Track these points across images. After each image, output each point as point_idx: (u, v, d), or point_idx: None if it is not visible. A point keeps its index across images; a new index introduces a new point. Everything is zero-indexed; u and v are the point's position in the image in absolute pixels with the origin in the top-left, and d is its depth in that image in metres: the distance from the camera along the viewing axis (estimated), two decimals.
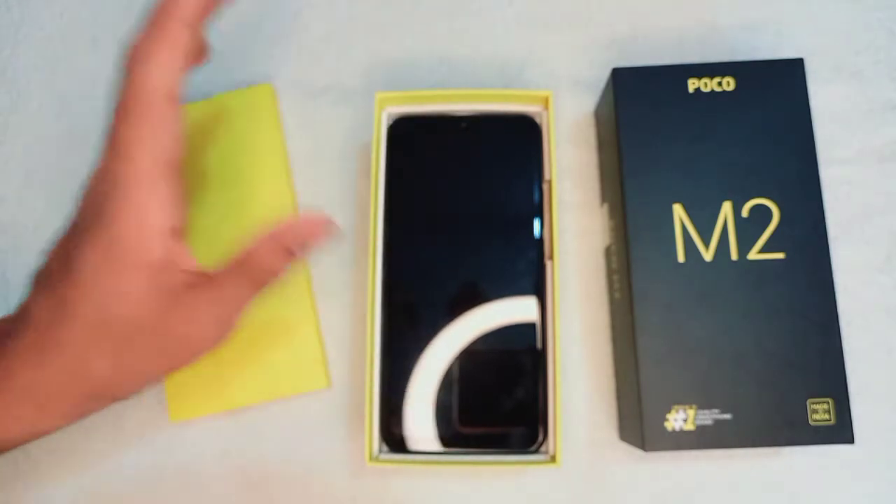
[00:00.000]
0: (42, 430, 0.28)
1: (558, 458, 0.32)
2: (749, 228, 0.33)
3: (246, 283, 0.29)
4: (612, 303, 0.36)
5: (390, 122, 0.36)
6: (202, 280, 0.28)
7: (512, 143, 0.36)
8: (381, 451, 0.33)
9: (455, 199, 0.35)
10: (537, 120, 0.36)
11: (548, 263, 0.34)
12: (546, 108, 0.36)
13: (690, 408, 0.31)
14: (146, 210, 0.26)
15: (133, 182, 0.26)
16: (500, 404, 0.33)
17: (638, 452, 0.35)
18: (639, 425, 0.31)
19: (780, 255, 0.32)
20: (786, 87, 0.34)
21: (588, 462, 0.36)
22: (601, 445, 0.36)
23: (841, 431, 0.31)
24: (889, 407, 0.36)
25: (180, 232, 0.28)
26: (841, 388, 0.31)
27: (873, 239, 0.38)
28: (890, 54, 0.39)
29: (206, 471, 0.36)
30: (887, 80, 0.39)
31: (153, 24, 0.28)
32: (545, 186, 0.35)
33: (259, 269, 0.28)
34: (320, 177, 0.39)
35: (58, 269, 0.28)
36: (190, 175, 0.38)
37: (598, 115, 0.39)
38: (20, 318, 0.28)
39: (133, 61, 0.27)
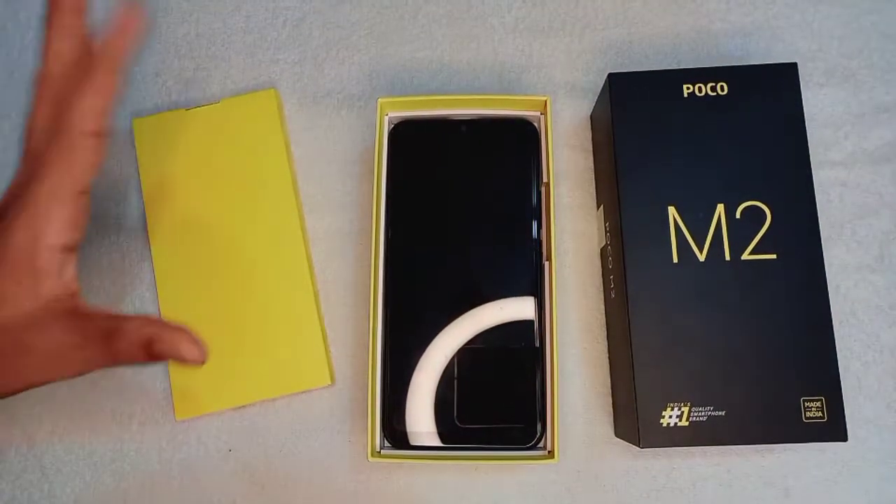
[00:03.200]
0: None
1: (556, 453, 0.33)
2: (742, 230, 0.33)
3: (103, 351, 0.28)
4: (608, 302, 0.37)
5: (391, 126, 0.36)
6: (76, 310, 0.29)
7: (511, 146, 0.36)
8: (382, 446, 0.34)
9: (455, 201, 0.36)
10: (535, 124, 0.37)
11: (546, 265, 0.35)
12: (544, 112, 0.36)
13: (685, 405, 0.32)
14: (44, 225, 0.28)
15: (41, 199, 0.28)
16: (498, 401, 0.34)
17: (633, 449, 0.36)
18: (634, 422, 0.32)
19: (773, 256, 0.33)
20: (779, 90, 0.34)
21: (584, 458, 0.36)
22: (597, 442, 0.37)
23: (834, 429, 0.31)
24: (881, 405, 0.37)
25: (72, 251, 0.29)
26: (834, 387, 0.32)
27: (865, 239, 0.38)
28: (882, 58, 0.40)
29: (210, 466, 0.37)
30: (879, 84, 0.40)
31: (89, 73, 0.29)
32: (543, 189, 0.36)
33: (121, 347, 0.28)
34: (324, 180, 0.40)
35: None
36: (195, 178, 0.39)
37: (595, 119, 0.39)
38: None
39: (65, 100, 0.29)
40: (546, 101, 0.36)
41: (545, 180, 0.36)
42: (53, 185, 0.28)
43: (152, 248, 0.38)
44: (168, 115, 0.40)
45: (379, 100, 0.36)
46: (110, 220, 0.39)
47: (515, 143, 0.36)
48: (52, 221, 0.28)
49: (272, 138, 0.39)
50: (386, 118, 0.37)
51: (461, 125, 0.37)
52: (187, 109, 0.39)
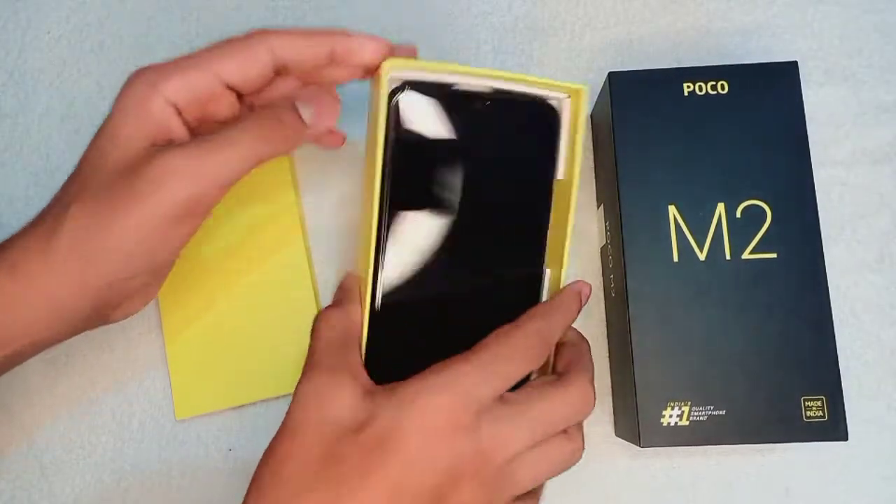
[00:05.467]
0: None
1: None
2: (742, 229, 0.33)
3: (259, 141, 0.28)
4: (608, 301, 0.37)
5: (392, 88, 0.29)
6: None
7: (529, 132, 0.31)
8: None
9: (459, 185, 0.30)
10: (557, 109, 0.31)
11: (547, 271, 0.31)
12: (578, 101, 0.30)
13: (685, 404, 0.32)
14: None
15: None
16: None
17: (633, 448, 0.36)
18: (634, 421, 0.32)
19: (773, 255, 0.33)
20: (779, 89, 0.34)
21: (584, 458, 0.36)
22: (597, 441, 0.37)
23: (834, 428, 0.31)
24: (882, 404, 0.37)
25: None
26: (834, 386, 0.32)
27: (866, 239, 0.38)
28: (882, 57, 0.40)
29: (210, 466, 0.37)
30: (880, 83, 0.40)
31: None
32: (556, 185, 0.31)
33: (279, 124, 0.29)
34: (325, 179, 0.40)
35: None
36: None
37: (595, 117, 0.39)
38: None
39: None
40: (581, 91, 0.30)
41: (559, 176, 0.31)
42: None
43: None
44: None
45: (384, 63, 0.28)
46: None
47: (535, 129, 0.31)
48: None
49: None
50: (387, 79, 0.29)
51: (481, 98, 0.30)
52: None
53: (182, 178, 0.26)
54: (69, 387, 0.37)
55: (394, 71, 0.29)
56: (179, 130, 0.28)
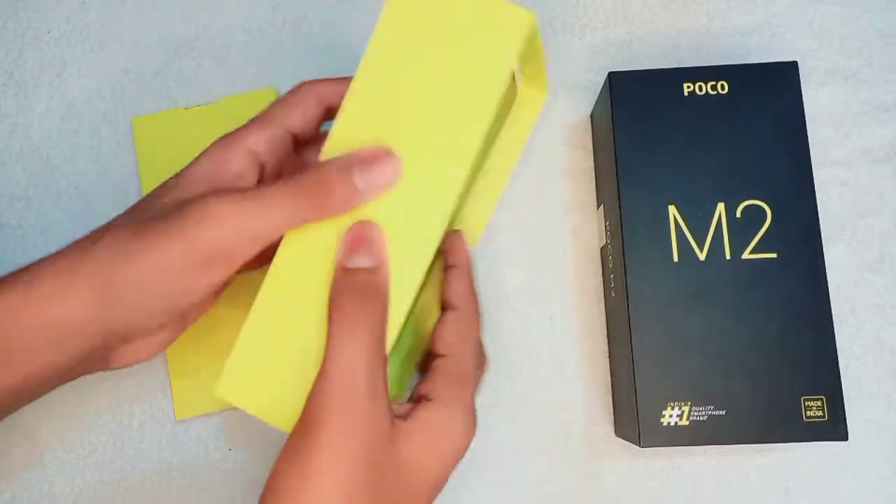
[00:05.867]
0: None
1: None
2: (742, 229, 0.33)
3: (301, 202, 0.27)
4: (608, 301, 0.37)
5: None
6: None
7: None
8: None
9: None
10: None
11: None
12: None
13: (685, 404, 0.32)
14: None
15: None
16: None
17: (633, 448, 0.36)
18: (634, 421, 0.32)
19: (773, 255, 0.33)
20: (779, 89, 0.34)
21: (584, 458, 0.36)
22: (597, 441, 0.37)
23: (834, 428, 0.31)
24: (882, 404, 0.37)
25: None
26: (834, 386, 0.32)
27: (866, 239, 0.38)
28: (883, 57, 0.40)
29: (211, 466, 0.37)
30: (880, 83, 0.40)
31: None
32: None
33: (325, 188, 0.27)
34: None
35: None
36: None
37: (595, 118, 0.39)
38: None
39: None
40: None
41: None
42: None
43: None
44: (167, 113, 0.39)
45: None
46: (85, 230, 0.39)
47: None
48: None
49: None
50: None
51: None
52: (186, 108, 0.39)
53: (216, 222, 0.26)
54: (69, 387, 0.37)
55: None
56: (251, 181, 0.29)
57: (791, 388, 0.32)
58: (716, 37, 0.40)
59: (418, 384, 0.28)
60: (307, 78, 0.41)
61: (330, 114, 0.31)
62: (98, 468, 0.37)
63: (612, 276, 0.36)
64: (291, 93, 0.31)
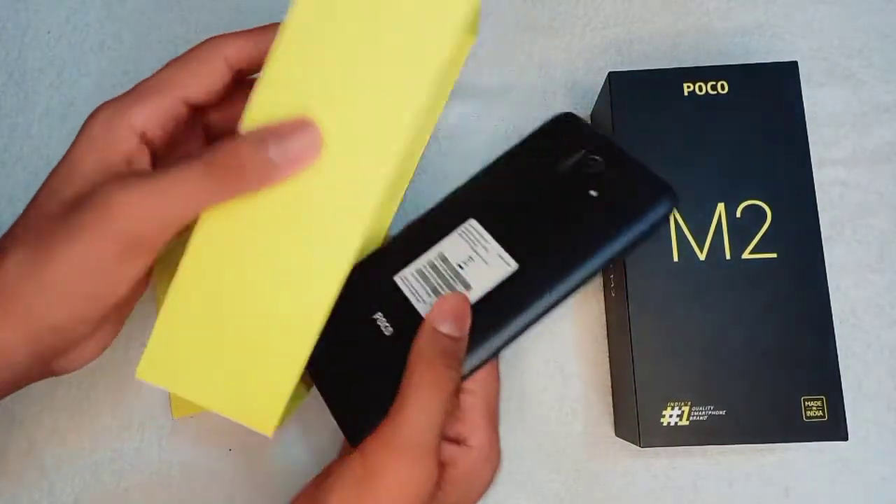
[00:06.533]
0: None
1: None
2: (742, 229, 0.33)
3: (213, 183, 0.25)
4: (608, 301, 0.37)
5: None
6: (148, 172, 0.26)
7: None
8: None
9: None
10: None
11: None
12: None
13: (685, 404, 0.32)
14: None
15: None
16: None
17: (633, 448, 0.36)
18: (634, 421, 0.32)
19: (773, 255, 0.33)
20: (779, 90, 0.34)
21: (584, 458, 0.36)
22: (597, 441, 0.37)
23: (834, 428, 0.31)
24: (882, 404, 0.37)
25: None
26: (834, 386, 0.32)
27: (865, 239, 0.38)
28: (882, 57, 0.40)
29: (211, 466, 0.37)
30: (880, 83, 0.40)
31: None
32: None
33: (237, 166, 0.25)
34: None
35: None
36: None
37: (595, 118, 0.39)
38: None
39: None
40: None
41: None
42: None
43: None
44: None
45: None
46: None
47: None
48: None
49: None
50: None
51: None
52: None
53: (125, 211, 0.24)
54: (69, 387, 0.37)
55: None
56: (143, 161, 0.27)
57: (791, 388, 0.32)
58: (716, 37, 0.41)
59: (455, 423, 0.28)
60: None
61: (241, 76, 0.28)
62: (98, 468, 0.37)
63: (611, 275, 0.36)
64: (193, 53, 0.27)
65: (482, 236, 0.29)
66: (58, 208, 0.25)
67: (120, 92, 0.40)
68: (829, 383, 0.32)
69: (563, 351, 0.38)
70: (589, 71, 0.40)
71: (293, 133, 0.25)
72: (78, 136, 0.27)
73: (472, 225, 0.30)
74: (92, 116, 0.27)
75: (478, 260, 0.29)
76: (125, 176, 0.25)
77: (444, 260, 0.29)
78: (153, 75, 0.27)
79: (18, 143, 0.40)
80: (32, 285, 0.25)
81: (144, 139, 0.27)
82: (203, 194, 0.25)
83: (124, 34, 0.42)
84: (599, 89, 0.38)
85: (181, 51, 0.41)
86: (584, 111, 0.40)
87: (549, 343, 0.38)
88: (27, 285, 0.25)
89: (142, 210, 0.24)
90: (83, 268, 0.25)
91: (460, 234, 0.30)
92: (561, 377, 0.37)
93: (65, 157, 0.27)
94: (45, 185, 0.27)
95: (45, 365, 0.27)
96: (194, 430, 0.37)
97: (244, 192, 0.26)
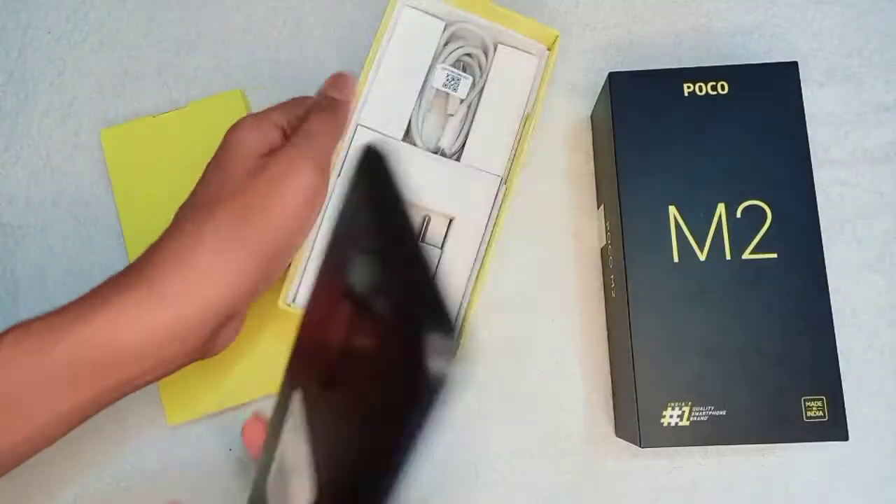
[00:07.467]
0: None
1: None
2: (743, 229, 0.33)
3: (329, 117, 0.33)
4: (609, 302, 0.37)
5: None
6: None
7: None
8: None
9: None
10: (541, 59, 0.38)
11: (502, 187, 0.36)
12: (550, 48, 0.37)
13: (686, 404, 0.32)
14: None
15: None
16: None
17: (633, 448, 0.36)
18: (635, 422, 0.32)
19: (774, 256, 0.33)
20: (780, 90, 0.34)
21: (584, 458, 0.36)
22: (597, 441, 0.37)
23: (835, 428, 0.31)
24: (882, 404, 0.37)
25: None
26: (835, 386, 0.32)
27: (866, 239, 0.38)
28: (883, 57, 0.40)
29: (211, 466, 0.37)
30: (880, 83, 0.40)
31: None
32: (524, 121, 0.37)
33: (332, 103, 0.34)
34: None
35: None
36: (168, 183, 0.38)
37: (595, 118, 0.39)
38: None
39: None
40: (556, 37, 0.36)
41: (527, 112, 0.37)
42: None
43: (129, 256, 0.38)
44: (136, 123, 0.39)
45: None
46: (85, 230, 0.39)
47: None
48: None
49: None
50: (399, 4, 0.37)
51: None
52: (154, 116, 0.39)
53: (300, 162, 0.30)
54: None
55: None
56: (281, 144, 0.32)
57: (791, 388, 0.32)
58: (716, 37, 0.40)
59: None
60: (308, 78, 0.41)
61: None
62: (98, 468, 0.37)
63: (612, 276, 0.36)
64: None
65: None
66: (236, 182, 0.30)
67: (120, 92, 0.41)
68: (829, 383, 0.32)
69: (564, 351, 0.38)
70: (589, 71, 0.40)
71: (336, 81, 0.35)
72: (226, 139, 0.32)
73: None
74: (236, 125, 0.32)
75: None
76: (286, 145, 0.31)
77: None
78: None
79: (18, 143, 0.40)
80: (249, 234, 0.29)
81: (283, 130, 0.33)
82: (334, 132, 0.33)
83: (124, 34, 0.42)
84: (599, 89, 0.38)
85: (181, 51, 0.41)
86: (584, 111, 0.40)
87: (550, 343, 0.38)
88: (242, 237, 0.29)
89: (308, 160, 0.30)
90: (290, 213, 0.30)
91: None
92: (561, 377, 0.37)
93: (221, 153, 0.32)
94: (210, 175, 0.32)
95: (209, 342, 0.30)
96: (194, 430, 0.37)
97: (347, 121, 0.35)
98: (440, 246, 0.36)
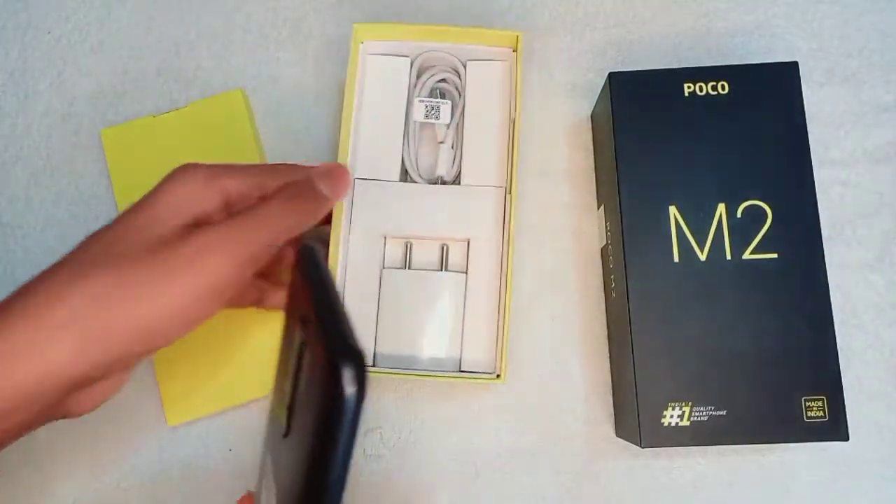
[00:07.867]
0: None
1: (503, 376, 0.33)
2: (743, 229, 0.33)
3: (294, 211, 0.30)
4: (609, 302, 0.37)
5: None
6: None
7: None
8: None
9: None
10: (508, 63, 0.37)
11: (507, 197, 0.36)
12: (515, 50, 0.37)
13: (686, 404, 0.32)
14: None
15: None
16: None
17: (633, 448, 0.36)
18: (635, 422, 0.32)
19: (774, 256, 0.33)
20: (780, 90, 0.34)
21: (585, 458, 0.36)
22: (598, 441, 0.37)
23: (835, 428, 0.31)
24: (882, 404, 0.37)
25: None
26: (835, 386, 0.32)
27: (866, 239, 0.38)
28: (883, 57, 0.40)
29: (210, 466, 0.37)
30: (880, 83, 0.40)
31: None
32: (511, 125, 0.36)
33: (312, 197, 0.31)
34: None
35: None
36: None
37: (595, 118, 0.39)
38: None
39: None
40: (518, 37, 0.36)
41: (512, 116, 0.36)
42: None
43: None
44: (136, 123, 0.39)
45: (354, 25, 0.36)
46: (85, 230, 0.39)
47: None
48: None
49: (242, 136, 0.39)
50: (361, 46, 0.37)
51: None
52: (154, 116, 0.39)
53: (218, 253, 0.27)
54: None
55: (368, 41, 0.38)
56: (219, 216, 0.30)
57: (791, 388, 0.32)
58: (716, 37, 0.40)
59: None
60: (308, 78, 0.41)
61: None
62: (98, 468, 0.37)
63: (612, 276, 0.36)
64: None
65: None
66: (141, 248, 0.27)
67: (120, 92, 0.41)
68: (829, 383, 0.32)
69: (564, 351, 0.38)
70: (589, 71, 0.40)
71: (331, 172, 0.32)
72: (163, 185, 0.29)
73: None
74: (182, 170, 0.29)
75: None
76: (215, 223, 0.28)
77: None
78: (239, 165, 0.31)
79: (18, 143, 0.40)
80: (112, 318, 0.26)
81: (228, 202, 0.30)
82: (282, 226, 0.29)
83: (124, 34, 0.42)
84: (599, 89, 0.38)
85: (181, 51, 0.41)
86: (584, 111, 0.40)
87: (550, 343, 0.38)
88: (105, 317, 0.26)
89: (234, 250, 0.27)
90: (176, 307, 0.27)
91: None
92: (561, 377, 0.37)
93: (148, 199, 0.29)
94: (127, 217, 0.28)
95: (69, 399, 0.27)
96: (194, 430, 0.37)
97: (310, 222, 0.31)
98: (465, 271, 0.36)
